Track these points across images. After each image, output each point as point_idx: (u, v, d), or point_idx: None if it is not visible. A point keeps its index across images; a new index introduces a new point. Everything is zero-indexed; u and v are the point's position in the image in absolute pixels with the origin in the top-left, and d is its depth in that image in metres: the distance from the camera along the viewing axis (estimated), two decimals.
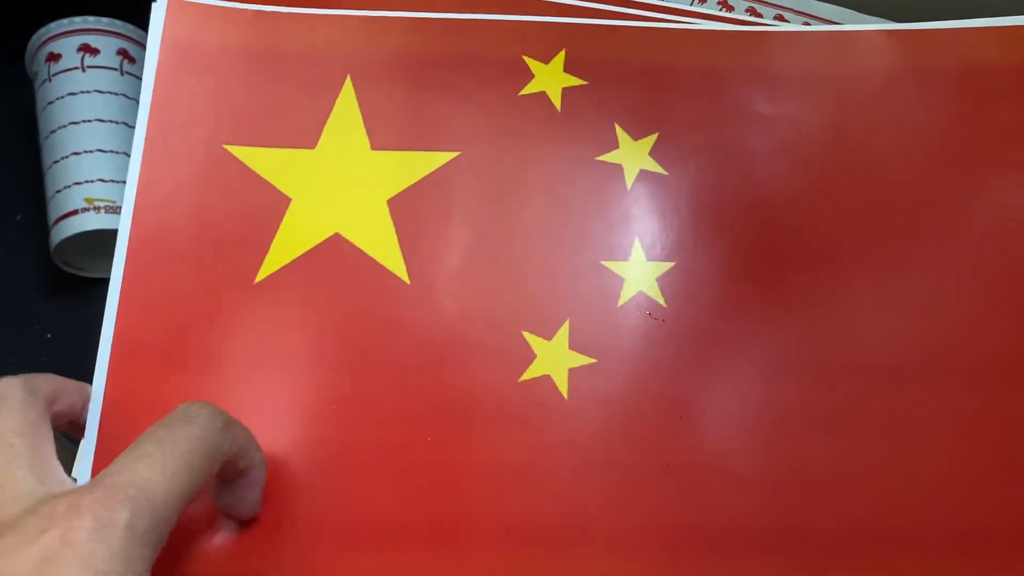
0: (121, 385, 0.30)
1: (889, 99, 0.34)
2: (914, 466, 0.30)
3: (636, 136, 0.34)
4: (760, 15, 0.40)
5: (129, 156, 0.44)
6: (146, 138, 0.32)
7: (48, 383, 0.25)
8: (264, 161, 0.33)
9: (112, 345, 0.30)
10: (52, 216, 0.44)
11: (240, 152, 0.33)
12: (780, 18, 0.40)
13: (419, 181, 0.33)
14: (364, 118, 0.33)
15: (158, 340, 0.30)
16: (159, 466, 0.22)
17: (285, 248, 0.32)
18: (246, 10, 0.34)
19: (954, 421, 0.30)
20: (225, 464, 0.25)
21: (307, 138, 0.33)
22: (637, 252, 0.32)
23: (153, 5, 0.33)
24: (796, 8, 0.40)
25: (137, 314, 0.30)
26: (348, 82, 0.34)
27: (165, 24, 0.34)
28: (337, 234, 0.32)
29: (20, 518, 0.20)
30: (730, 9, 0.40)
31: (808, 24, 0.40)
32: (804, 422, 0.30)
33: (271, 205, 0.32)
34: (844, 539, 0.29)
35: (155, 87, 0.33)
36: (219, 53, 0.34)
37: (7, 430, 0.23)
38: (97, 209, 0.43)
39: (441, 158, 0.33)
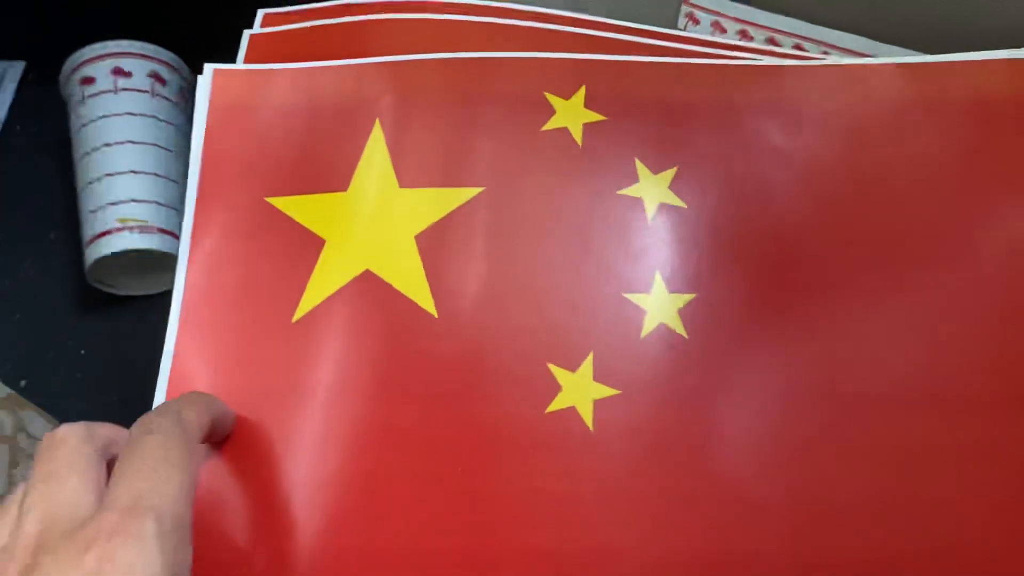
0: None
1: (903, 131, 0.34)
2: (937, 494, 0.30)
3: (656, 170, 0.34)
4: (779, 44, 0.40)
5: (161, 177, 0.45)
6: (197, 197, 0.34)
7: (107, 430, 0.26)
8: (301, 208, 0.34)
9: (168, 384, 0.32)
10: (86, 236, 0.45)
11: (280, 203, 0.34)
12: (799, 47, 0.40)
13: (445, 216, 0.33)
14: (392, 157, 0.34)
15: (208, 380, 0.32)
16: (154, 476, 0.24)
17: (320, 287, 0.33)
18: (283, 70, 0.36)
19: (975, 449, 0.30)
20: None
21: (340, 181, 0.34)
22: (658, 284, 0.33)
23: (200, 77, 0.35)
24: (815, 38, 0.40)
25: (190, 355, 0.32)
26: (377, 124, 0.35)
27: (211, 92, 0.35)
28: (367, 271, 0.33)
29: (62, 543, 0.22)
30: (749, 39, 0.40)
31: (827, 54, 0.40)
32: (827, 450, 0.30)
33: (307, 247, 0.33)
34: (867, 567, 0.29)
35: (204, 149, 0.35)
36: (259, 113, 0.35)
37: (61, 465, 0.24)
38: (131, 229, 0.44)
39: (466, 194, 0.34)
